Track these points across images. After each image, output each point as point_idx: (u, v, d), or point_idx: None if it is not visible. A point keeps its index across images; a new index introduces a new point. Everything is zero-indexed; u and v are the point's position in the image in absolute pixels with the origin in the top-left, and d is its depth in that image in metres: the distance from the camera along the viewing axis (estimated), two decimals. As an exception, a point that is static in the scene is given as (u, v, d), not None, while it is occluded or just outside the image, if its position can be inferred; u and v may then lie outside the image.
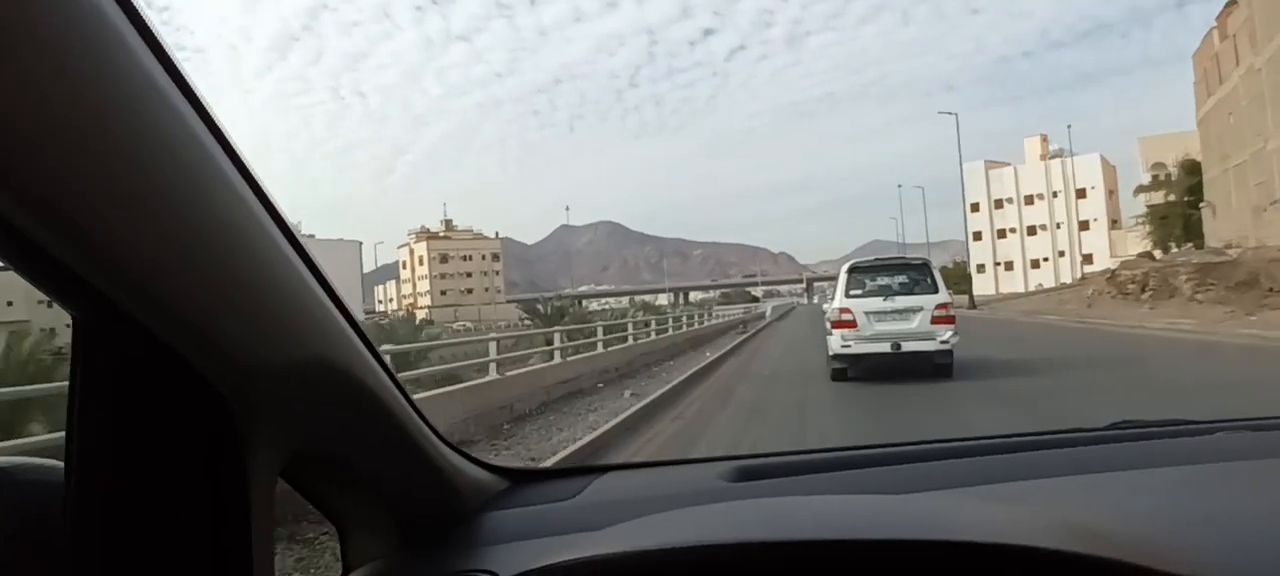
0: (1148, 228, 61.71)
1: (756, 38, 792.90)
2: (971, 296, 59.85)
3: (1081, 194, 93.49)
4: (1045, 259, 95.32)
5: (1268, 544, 0.88)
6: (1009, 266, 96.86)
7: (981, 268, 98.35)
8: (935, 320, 13.34)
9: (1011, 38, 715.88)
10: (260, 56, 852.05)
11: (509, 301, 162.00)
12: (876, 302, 13.58)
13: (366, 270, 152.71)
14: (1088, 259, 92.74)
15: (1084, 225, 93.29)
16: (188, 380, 0.73)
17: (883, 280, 13.95)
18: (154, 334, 0.69)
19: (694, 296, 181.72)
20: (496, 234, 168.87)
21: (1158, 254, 61.20)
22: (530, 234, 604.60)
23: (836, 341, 13.67)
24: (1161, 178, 70.52)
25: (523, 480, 1.50)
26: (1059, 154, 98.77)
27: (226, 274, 0.72)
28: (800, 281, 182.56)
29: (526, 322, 50.89)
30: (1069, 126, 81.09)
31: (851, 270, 14.46)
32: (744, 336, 35.45)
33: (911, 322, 13.37)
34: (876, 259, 15.35)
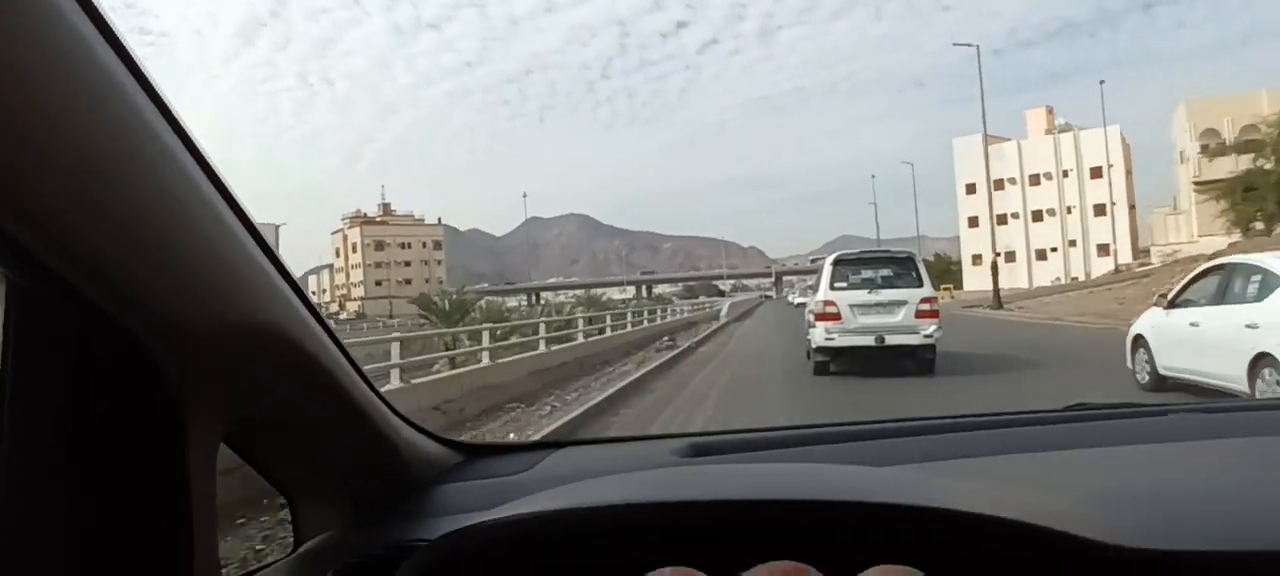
0: (1222, 204, 46.09)
1: (729, 31, 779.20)
2: (997, 292, 43.94)
3: (1096, 173, 78.08)
4: (1053, 248, 79.94)
5: (1187, 514, 0.91)
6: (1010, 257, 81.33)
7: (978, 259, 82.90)
8: (920, 314, 13.12)
9: (982, 35, 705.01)
10: (227, 42, 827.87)
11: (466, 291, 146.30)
12: (861, 295, 13.37)
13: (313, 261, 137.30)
14: (1103, 249, 77.53)
15: (1099, 209, 77.99)
16: (123, 345, 0.71)
17: (867, 273, 13.75)
18: (89, 298, 0.67)
19: (660, 289, 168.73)
20: (439, 220, 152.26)
21: (1237, 237, 45.76)
22: (499, 226, 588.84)
23: (820, 334, 13.45)
24: (1220, 144, 55.35)
25: (477, 454, 1.48)
26: (1066, 128, 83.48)
27: (162, 238, 0.70)
28: (769, 275, 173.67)
29: (423, 322, 39.76)
30: (1102, 82, 65.42)
31: (836, 262, 14.18)
32: (662, 355, 20.92)
33: (896, 316, 13.13)
34: (862, 251, 15.18)
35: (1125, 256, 75.27)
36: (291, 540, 1.18)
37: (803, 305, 27.19)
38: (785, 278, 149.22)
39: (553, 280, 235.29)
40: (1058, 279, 75.41)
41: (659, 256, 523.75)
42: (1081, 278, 77.50)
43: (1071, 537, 0.76)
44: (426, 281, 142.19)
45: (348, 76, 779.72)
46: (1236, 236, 45.40)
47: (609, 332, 26.58)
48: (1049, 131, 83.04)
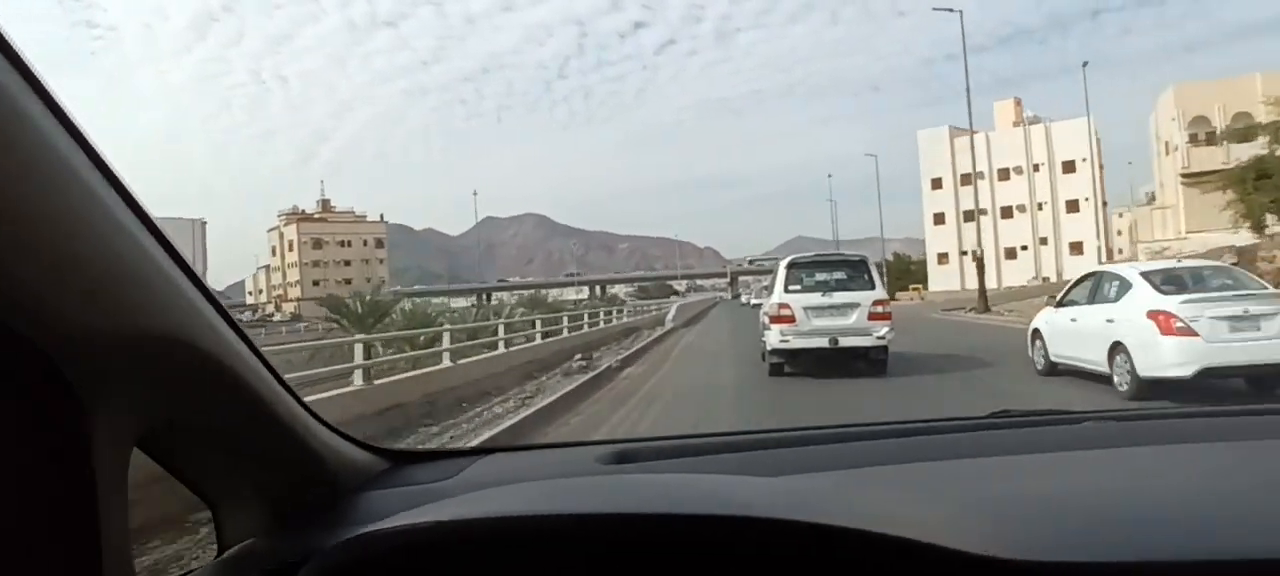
0: (1228, 196, 40.66)
1: (686, 32, 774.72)
2: (984, 292, 38.26)
3: (1068, 167, 73.07)
4: (1023, 247, 74.78)
5: (1075, 524, 0.92)
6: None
7: (944, 257, 77.59)
8: (872, 316, 13.27)
9: (937, 40, 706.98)
10: (177, 36, 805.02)
11: (399, 293, 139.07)
12: (815, 298, 13.44)
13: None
14: (1075, 248, 72.46)
15: (1072, 205, 72.94)
16: (22, 353, 0.70)
17: (821, 276, 13.78)
18: None
19: (615, 289, 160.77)
20: (382, 216, 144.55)
21: (1246, 233, 40.39)
22: (455, 225, 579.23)
23: (775, 336, 13.49)
24: (1236, 127, 50.15)
25: (404, 460, 1.48)
26: (1035, 120, 78.37)
27: (59, 246, 0.70)
28: (724, 275, 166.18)
29: (335, 329, 35.79)
30: (1085, 64, 60.33)
31: (790, 265, 14.21)
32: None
33: (849, 318, 13.25)
34: (816, 254, 15.12)
35: (1092, 255, 70.36)
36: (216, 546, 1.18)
37: (758, 306, 25.94)
38: (741, 278, 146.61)
39: (513, 279, 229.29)
40: (1035, 278, 70.20)
41: (615, 256, 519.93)
42: (1053, 278, 72.58)
43: (946, 550, 0.77)
44: (367, 281, 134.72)
45: (302, 74, 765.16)
46: (1242, 232, 40.03)
47: (536, 340, 22.19)
48: (1017, 123, 77.89)
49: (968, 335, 22.39)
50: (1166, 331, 9.68)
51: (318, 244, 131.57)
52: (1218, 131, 53.27)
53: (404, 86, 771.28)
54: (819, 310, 13.31)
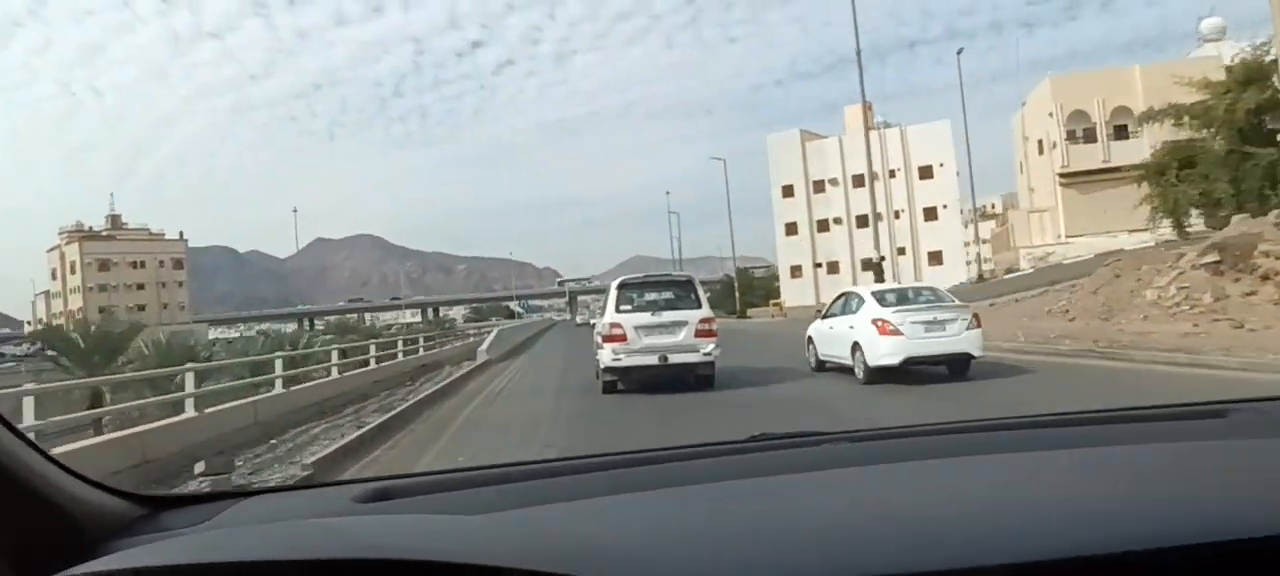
0: (1146, 190, 34.51)
1: (524, 53, 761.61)
2: None
3: (926, 173, 67.65)
4: (881, 258, 68.93)
5: (772, 547, 0.96)
6: (833, 267, 69.82)
7: (797, 270, 70.96)
8: (699, 333, 13.63)
9: (765, 67, 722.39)
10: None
11: (199, 321, 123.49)
12: (645, 317, 13.69)
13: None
14: (935, 257, 67.06)
15: (930, 213, 67.54)
16: None
17: (650, 296, 14.18)
18: None
19: (455, 311, 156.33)
20: (181, 234, 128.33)
21: (1166, 231, 34.32)
22: (284, 247, 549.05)
23: (608, 355, 13.71)
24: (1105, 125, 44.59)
25: (161, 506, 1.39)
26: (887, 125, 72.82)
27: None
28: (563, 295, 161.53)
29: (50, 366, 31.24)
30: (960, 52, 54.91)
31: (621, 286, 14.49)
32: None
33: (677, 336, 13.56)
34: (645, 276, 15.56)
35: (952, 265, 65.17)
36: None
37: (591, 326, 24.98)
38: (580, 298, 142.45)
39: (341, 303, 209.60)
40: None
41: (453, 278, 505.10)
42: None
43: None
44: (164, 306, 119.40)
45: (118, 86, 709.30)
46: (1162, 230, 33.95)
47: (274, 388, 15.26)
48: (870, 128, 72.16)
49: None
50: (884, 333, 13.31)
51: (104, 266, 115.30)
52: (1100, 124, 47.90)
53: (231, 101, 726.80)
54: (649, 329, 13.60)
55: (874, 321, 13.40)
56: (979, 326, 13.72)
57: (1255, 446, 1.43)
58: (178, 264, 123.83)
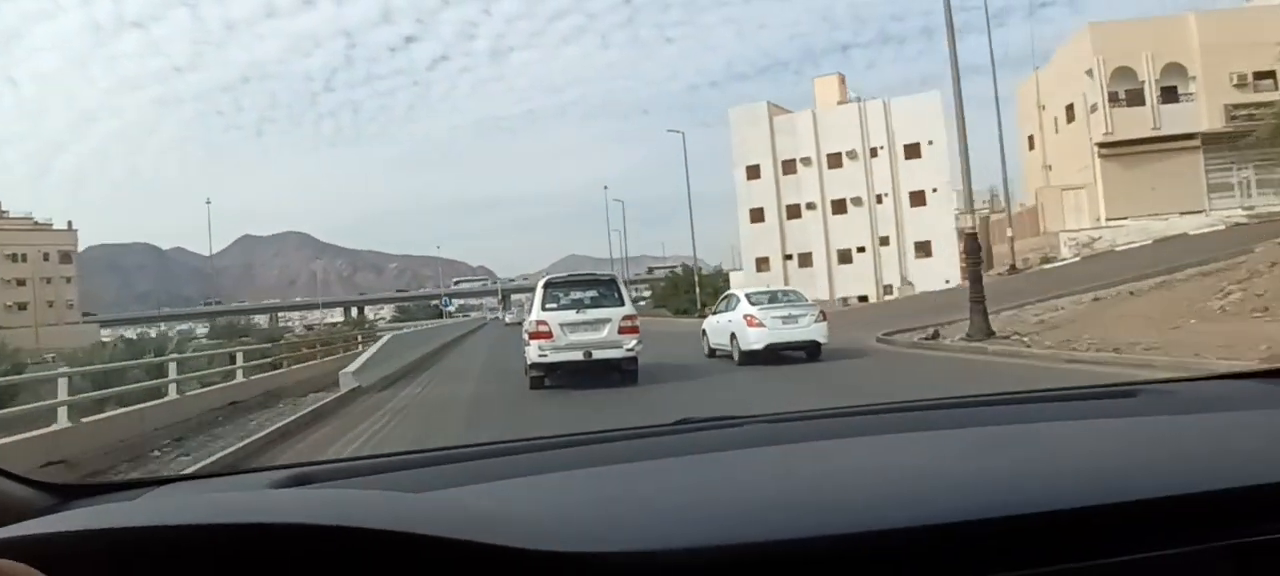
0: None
1: (459, 49, 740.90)
2: (983, 311, 20.05)
3: (912, 151, 58.07)
4: (860, 248, 59.14)
5: (668, 517, 1.01)
6: (805, 260, 59.95)
7: (764, 262, 60.96)
8: (622, 330, 13.98)
9: (701, 68, 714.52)
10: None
11: (91, 321, 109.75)
12: (570, 315, 13.97)
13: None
14: (923, 248, 57.65)
15: (917, 197, 58.06)
16: None
17: (575, 294, 14.47)
18: None
19: (384, 311, 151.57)
20: (70, 224, 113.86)
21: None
22: (209, 244, 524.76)
23: (534, 351, 13.91)
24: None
25: (73, 495, 1.34)
26: (859, 100, 63.23)
27: None
28: (495, 293, 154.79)
29: None
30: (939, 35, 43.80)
31: (547, 285, 14.82)
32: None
33: (601, 332, 13.87)
34: (570, 275, 16.17)
35: (943, 258, 56.03)
36: None
37: (520, 325, 21.99)
38: (514, 297, 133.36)
39: (266, 302, 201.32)
40: (894, 287, 54.70)
41: (383, 276, 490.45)
42: (896, 286, 57.53)
43: (513, 550, 0.82)
44: (50, 304, 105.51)
45: (35, 77, 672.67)
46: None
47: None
48: (842, 102, 62.39)
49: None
50: (751, 325, 16.67)
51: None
52: (1150, 84, 38.73)
53: (156, 94, 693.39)
54: (574, 326, 13.86)
55: (745, 316, 17.05)
56: (825, 320, 17.58)
57: (1158, 421, 1.48)
58: (65, 257, 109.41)
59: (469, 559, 0.81)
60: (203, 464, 8.99)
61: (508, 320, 65.68)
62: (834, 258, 59.35)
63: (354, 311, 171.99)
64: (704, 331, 19.78)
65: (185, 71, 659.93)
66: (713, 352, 18.88)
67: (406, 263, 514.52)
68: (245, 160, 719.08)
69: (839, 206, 59.50)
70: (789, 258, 60.15)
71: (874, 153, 58.79)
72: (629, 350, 13.95)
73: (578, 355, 13.72)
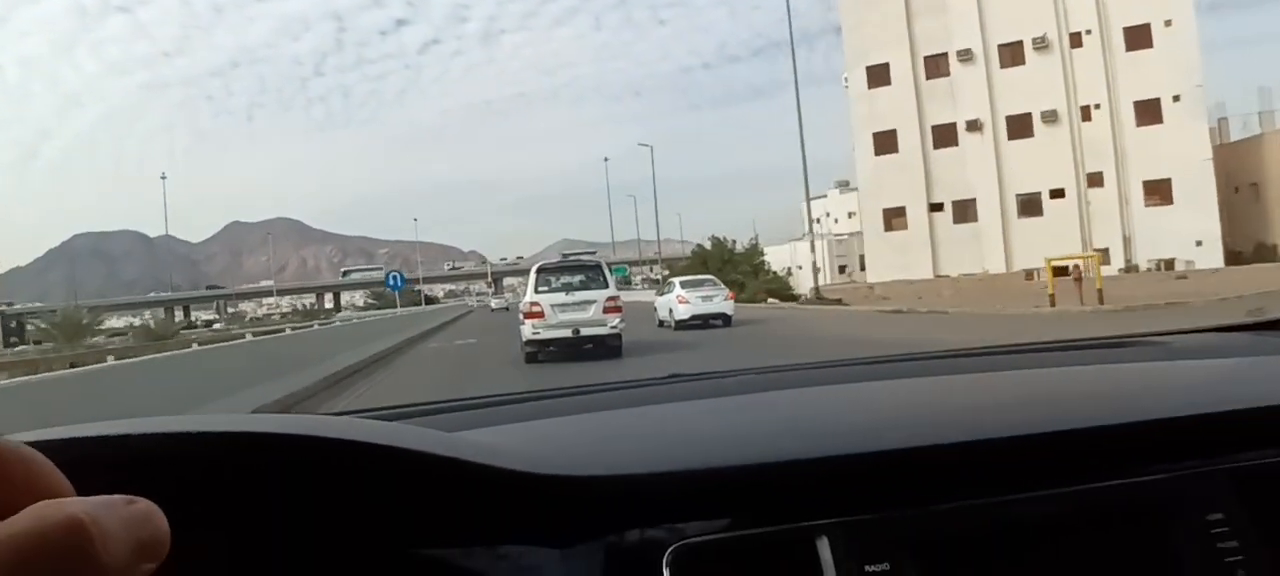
0: None
1: (451, 32, 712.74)
2: None
3: (1138, 38, 35.49)
4: (1055, 191, 36.35)
5: (641, 447, 1.05)
6: (964, 213, 37.23)
7: (897, 218, 38.26)
8: (606, 310, 14.87)
9: (694, 49, 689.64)
10: None
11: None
12: (559, 297, 14.84)
13: None
14: (1156, 190, 34.98)
15: (1147, 110, 35.46)
16: None
17: (565, 278, 15.32)
18: None
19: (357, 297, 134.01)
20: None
21: None
22: (197, 231, 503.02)
23: (528, 329, 14.76)
24: None
25: None
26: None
27: None
28: (485, 276, 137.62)
29: None
30: None
31: (539, 271, 15.75)
32: None
33: (588, 312, 14.78)
34: (559, 260, 17.16)
35: (1193, 212, 33.77)
36: None
37: (506, 311, 28.48)
38: (506, 281, 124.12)
39: (263, 284, 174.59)
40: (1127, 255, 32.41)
41: (374, 262, 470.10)
42: (1124, 257, 35.19)
43: (494, 469, 0.82)
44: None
45: (20, 61, 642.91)
46: None
47: None
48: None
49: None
50: (681, 303, 21.73)
51: None
52: None
53: (143, 79, 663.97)
54: (563, 306, 14.72)
55: (676, 297, 22.24)
56: (733, 298, 23.51)
57: (1150, 366, 1.52)
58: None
59: (469, 480, 0.81)
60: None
61: (494, 305, 60.74)
62: (1011, 206, 36.78)
63: (329, 298, 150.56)
64: (655, 308, 25.00)
65: (173, 56, 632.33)
66: (661, 323, 23.28)
67: (398, 248, 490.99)
68: (235, 146, 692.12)
69: (1019, 126, 36.75)
70: (937, 208, 37.64)
71: (1077, 40, 36.06)
72: (613, 328, 14.92)
73: (567, 333, 14.66)
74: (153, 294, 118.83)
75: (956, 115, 37.22)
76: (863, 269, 44.38)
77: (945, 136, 37.58)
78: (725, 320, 21.90)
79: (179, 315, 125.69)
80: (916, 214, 37.57)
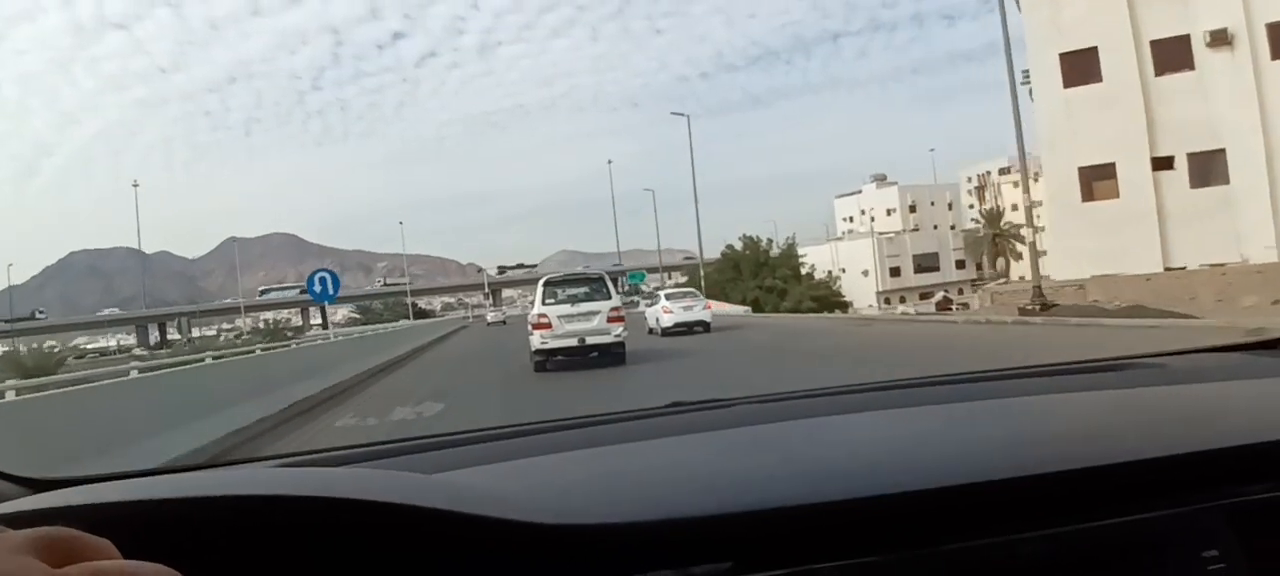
0: None
1: (448, 44, 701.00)
2: None
3: None
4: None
5: (645, 492, 1.01)
6: (1206, 172, 24.09)
7: (1100, 181, 24.93)
8: (610, 319, 15.69)
9: (691, 59, 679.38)
10: None
11: None
12: (565, 308, 15.69)
13: None
14: None
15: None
16: None
17: (570, 290, 16.22)
18: None
19: (342, 312, 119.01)
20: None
21: None
22: (194, 247, 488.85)
23: (537, 339, 15.63)
24: None
25: (42, 488, 1.22)
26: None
27: None
28: (481, 287, 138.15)
29: None
30: None
31: (546, 283, 16.59)
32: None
33: (592, 322, 15.57)
34: (566, 274, 18.87)
35: None
36: None
37: (503, 325, 31.77)
38: (506, 293, 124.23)
39: (261, 296, 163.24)
40: None
41: (372, 276, 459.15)
42: None
43: (489, 520, 0.80)
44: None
45: (18, 79, 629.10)
46: None
47: None
48: None
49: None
50: (666, 313, 25.04)
51: None
52: None
53: (140, 95, 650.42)
54: (570, 317, 15.54)
55: (662, 307, 25.84)
56: (710, 308, 27.70)
57: (1147, 392, 1.49)
58: None
59: (466, 533, 0.79)
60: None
61: (490, 319, 59.19)
62: (1278, 162, 23.52)
63: (314, 313, 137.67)
64: (645, 315, 28.32)
65: (170, 72, 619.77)
66: (651, 331, 25.80)
67: (396, 261, 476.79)
68: (232, 161, 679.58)
69: (1291, 37, 23.56)
70: (1164, 163, 24.36)
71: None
72: (616, 337, 15.70)
73: (573, 342, 15.40)
74: (104, 313, 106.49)
75: (1190, 24, 23.89)
76: (925, 270, 31.60)
77: (1173, 56, 24.13)
78: (704, 327, 25.31)
79: (154, 335, 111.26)
80: (1133, 174, 24.21)
